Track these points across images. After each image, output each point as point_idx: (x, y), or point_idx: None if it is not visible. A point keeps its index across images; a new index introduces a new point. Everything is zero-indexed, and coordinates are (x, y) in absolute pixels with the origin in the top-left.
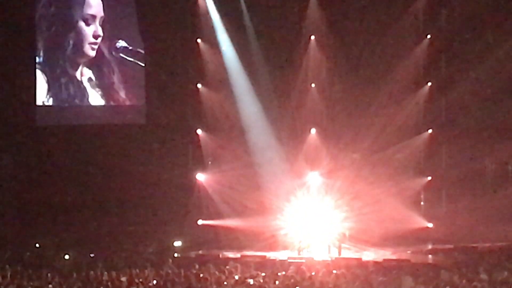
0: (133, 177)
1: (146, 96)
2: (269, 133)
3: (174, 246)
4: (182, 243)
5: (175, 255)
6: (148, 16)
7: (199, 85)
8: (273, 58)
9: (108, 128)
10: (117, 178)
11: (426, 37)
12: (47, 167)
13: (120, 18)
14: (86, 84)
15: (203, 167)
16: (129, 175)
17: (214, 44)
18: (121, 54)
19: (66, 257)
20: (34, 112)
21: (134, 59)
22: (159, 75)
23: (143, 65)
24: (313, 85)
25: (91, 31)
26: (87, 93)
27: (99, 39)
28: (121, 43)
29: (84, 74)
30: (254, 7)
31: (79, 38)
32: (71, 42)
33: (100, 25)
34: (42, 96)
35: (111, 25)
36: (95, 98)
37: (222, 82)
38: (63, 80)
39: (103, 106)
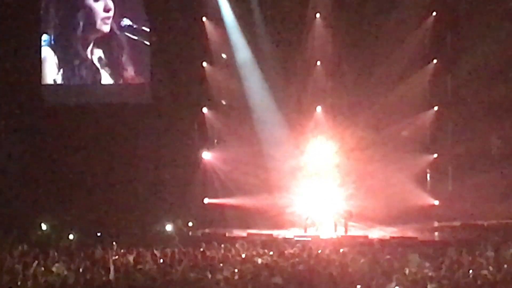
0: (138, 156)
1: (152, 75)
2: (275, 111)
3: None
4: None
5: (189, 233)
6: None
7: (204, 64)
8: (278, 36)
9: (114, 107)
10: (123, 157)
11: (432, 13)
12: (53, 147)
13: None
14: (97, 64)
15: (209, 146)
16: (134, 154)
17: (219, 22)
18: (126, 33)
19: (71, 236)
20: (41, 91)
21: (139, 37)
22: (165, 54)
23: (149, 43)
24: (318, 63)
25: (101, 6)
26: (100, 74)
27: (111, 12)
28: (126, 21)
29: (95, 53)
30: None
31: (90, 16)
32: (81, 22)
33: None
34: (52, 76)
35: (117, 2)
36: (105, 77)
37: (228, 61)
38: (76, 62)
39: (110, 85)
